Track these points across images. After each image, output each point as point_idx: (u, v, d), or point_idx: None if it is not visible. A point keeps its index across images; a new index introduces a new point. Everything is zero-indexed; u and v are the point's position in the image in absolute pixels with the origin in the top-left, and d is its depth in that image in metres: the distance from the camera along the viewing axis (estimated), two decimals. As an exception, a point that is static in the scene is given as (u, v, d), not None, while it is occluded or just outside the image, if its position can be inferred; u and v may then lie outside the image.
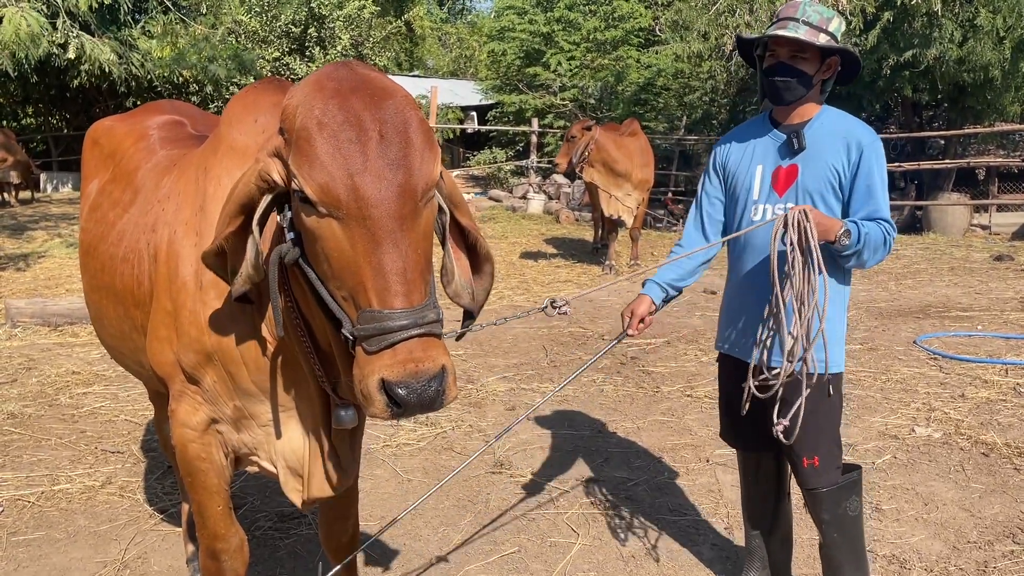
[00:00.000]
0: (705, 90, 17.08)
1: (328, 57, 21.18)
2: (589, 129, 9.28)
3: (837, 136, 2.44)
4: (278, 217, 1.65)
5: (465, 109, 23.68)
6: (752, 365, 2.43)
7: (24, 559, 3.15)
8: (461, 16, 40.65)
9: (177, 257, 1.99)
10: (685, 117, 15.76)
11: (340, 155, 1.43)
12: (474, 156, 22.39)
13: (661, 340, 6.12)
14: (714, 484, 3.77)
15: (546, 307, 2.57)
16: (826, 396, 2.43)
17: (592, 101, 19.99)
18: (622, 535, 3.32)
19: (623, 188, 9.43)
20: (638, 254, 9.93)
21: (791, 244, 2.25)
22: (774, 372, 2.37)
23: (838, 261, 2.39)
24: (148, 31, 20.17)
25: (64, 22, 10.66)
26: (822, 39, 2.37)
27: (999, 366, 5.27)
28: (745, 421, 2.58)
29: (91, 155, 2.73)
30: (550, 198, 16.58)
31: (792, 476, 2.65)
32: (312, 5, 21.11)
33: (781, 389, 2.35)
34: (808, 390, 2.32)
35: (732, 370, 2.66)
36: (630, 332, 2.67)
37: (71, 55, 11.32)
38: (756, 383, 2.41)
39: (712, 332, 6.30)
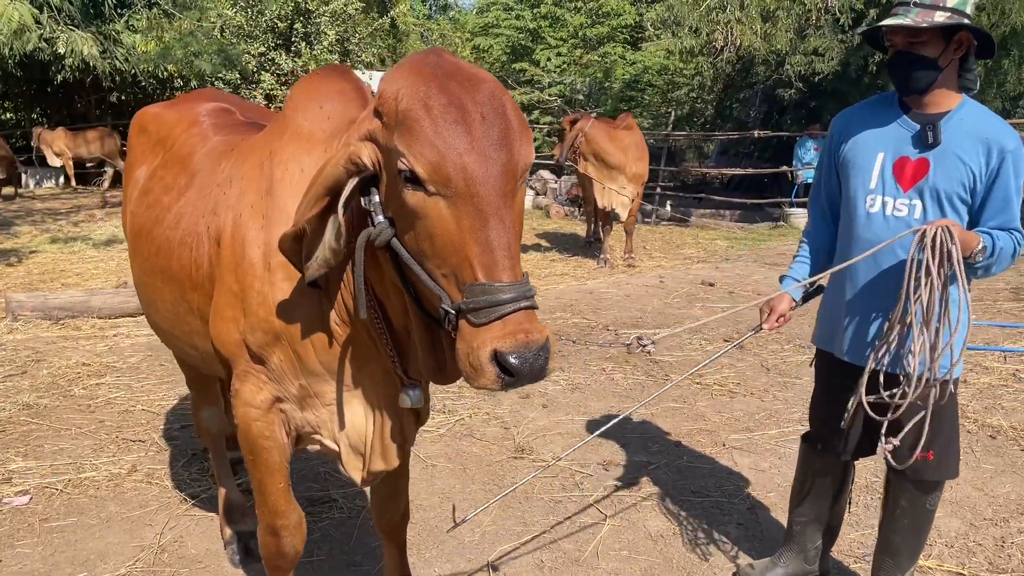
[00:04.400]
0: (692, 87, 17.21)
1: (314, 53, 21.11)
2: (575, 122, 9.35)
3: (978, 136, 2.29)
4: (362, 201, 1.69)
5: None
6: (867, 372, 2.37)
7: (60, 544, 3.18)
8: (444, 12, 40.59)
9: (243, 240, 2.03)
10: (673, 113, 15.86)
11: (449, 135, 1.49)
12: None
13: (665, 331, 6.21)
14: (733, 467, 3.86)
15: (631, 343, 2.51)
16: (946, 396, 2.37)
17: (580, 97, 20.07)
18: (649, 516, 3.40)
19: (617, 181, 9.50)
20: (632, 248, 10.02)
21: (928, 265, 2.18)
22: (895, 393, 2.31)
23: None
24: (132, 25, 19.99)
25: (52, 15, 10.60)
26: (938, 17, 2.19)
27: (997, 353, 5.40)
28: (835, 425, 2.58)
29: (138, 141, 2.76)
30: (537, 193, 16.65)
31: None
32: (298, 0, 21.02)
33: (900, 410, 2.30)
34: (924, 412, 2.30)
35: (830, 369, 2.63)
36: (765, 327, 2.63)
37: (60, 49, 11.25)
38: (872, 399, 2.35)
39: (713, 324, 6.40)
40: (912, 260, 2.22)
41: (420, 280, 1.60)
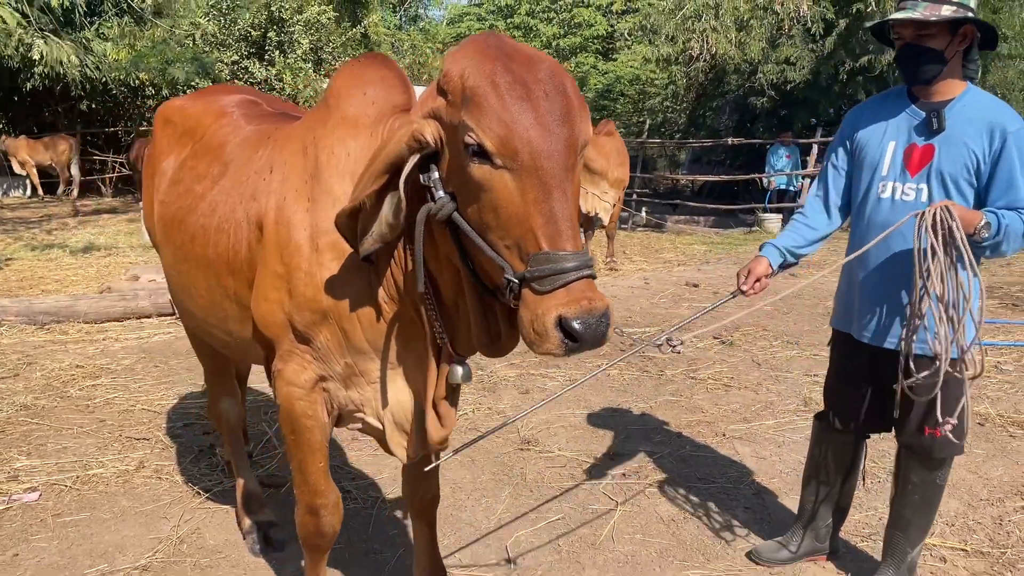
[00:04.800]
0: (665, 96, 17.46)
1: (288, 61, 21.06)
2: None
3: (981, 120, 2.40)
4: (421, 178, 1.75)
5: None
6: (901, 355, 2.47)
7: (76, 538, 3.18)
8: (414, 23, 40.68)
9: (289, 223, 2.08)
10: (648, 121, 16.09)
11: (516, 111, 1.56)
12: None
13: (655, 329, 6.32)
14: (735, 455, 3.96)
15: (661, 343, 2.52)
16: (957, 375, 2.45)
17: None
18: (658, 502, 3.48)
19: (600, 186, 9.63)
20: (614, 251, 10.15)
21: (932, 245, 2.28)
22: (927, 373, 2.39)
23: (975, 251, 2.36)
24: (103, 33, 19.83)
25: (31, 21, 10.50)
26: (945, 11, 2.31)
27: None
28: (856, 407, 2.70)
29: (163, 133, 2.79)
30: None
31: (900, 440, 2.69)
32: (272, 9, 20.97)
33: (938, 391, 2.38)
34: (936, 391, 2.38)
35: (847, 349, 2.72)
36: (744, 289, 2.67)
37: (35, 55, 11.14)
38: (909, 382, 2.44)
39: (700, 322, 6.52)
40: (918, 242, 2.32)
41: (482, 252, 1.66)
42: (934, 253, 2.31)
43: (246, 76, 21.05)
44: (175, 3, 19.43)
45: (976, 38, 2.43)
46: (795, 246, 2.72)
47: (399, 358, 2.08)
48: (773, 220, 13.23)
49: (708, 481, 3.68)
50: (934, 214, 2.31)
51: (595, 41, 21.53)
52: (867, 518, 3.30)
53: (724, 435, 4.21)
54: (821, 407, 4.38)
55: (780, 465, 3.84)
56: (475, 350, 1.96)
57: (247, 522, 3.15)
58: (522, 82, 1.59)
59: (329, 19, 23.12)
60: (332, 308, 2.02)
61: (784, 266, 2.74)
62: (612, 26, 20.44)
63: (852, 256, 2.57)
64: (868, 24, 2.62)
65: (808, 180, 14.02)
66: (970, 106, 2.45)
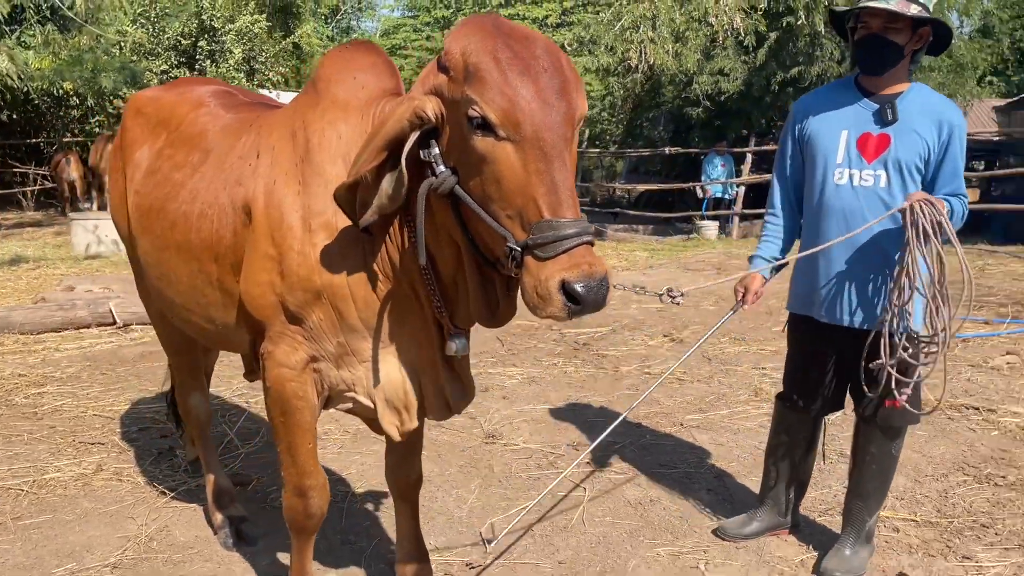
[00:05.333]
0: (602, 106, 17.78)
1: (220, 71, 20.75)
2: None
3: (930, 113, 2.57)
4: (421, 153, 1.81)
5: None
6: (875, 331, 2.59)
7: (40, 539, 3.11)
8: (347, 35, 40.48)
9: (280, 205, 2.10)
10: (585, 131, 16.36)
11: (518, 85, 1.63)
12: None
13: (607, 328, 6.45)
14: (694, 443, 4.08)
15: (663, 294, 2.63)
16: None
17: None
18: (625, 487, 3.57)
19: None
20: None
21: (923, 234, 2.42)
22: (921, 348, 2.56)
23: None
24: (24, 42, 19.24)
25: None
26: (913, 9, 2.46)
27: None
28: (817, 386, 2.84)
29: (135, 124, 2.77)
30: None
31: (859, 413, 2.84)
32: (203, 18, 20.64)
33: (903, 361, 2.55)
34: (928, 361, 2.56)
35: (807, 331, 2.84)
36: (745, 306, 2.82)
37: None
38: (890, 360, 2.55)
39: (650, 321, 6.69)
40: (913, 243, 2.45)
41: (483, 223, 1.72)
42: (928, 242, 2.44)
43: (177, 86, 20.64)
44: (99, 11, 18.98)
45: (928, 41, 2.60)
46: (777, 251, 2.88)
47: (392, 336, 2.12)
48: (711, 227, 13.58)
49: (670, 467, 3.79)
50: (921, 206, 2.45)
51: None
52: (823, 495, 3.45)
53: (682, 425, 4.33)
54: (771, 397, 4.56)
55: (737, 450, 3.98)
56: (473, 323, 2.02)
57: (219, 517, 3.13)
58: (522, 58, 1.66)
59: (262, 29, 22.87)
60: (326, 287, 2.06)
61: (775, 270, 2.88)
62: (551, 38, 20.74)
63: (835, 241, 2.65)
64: (837, 8, 2.75)
65: (742, 188, 14.46)
66: (918, 100, 2.62)
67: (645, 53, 11.58)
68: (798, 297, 2.89)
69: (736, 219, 14.26)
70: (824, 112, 2.75)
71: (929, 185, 2.64)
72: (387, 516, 3.31)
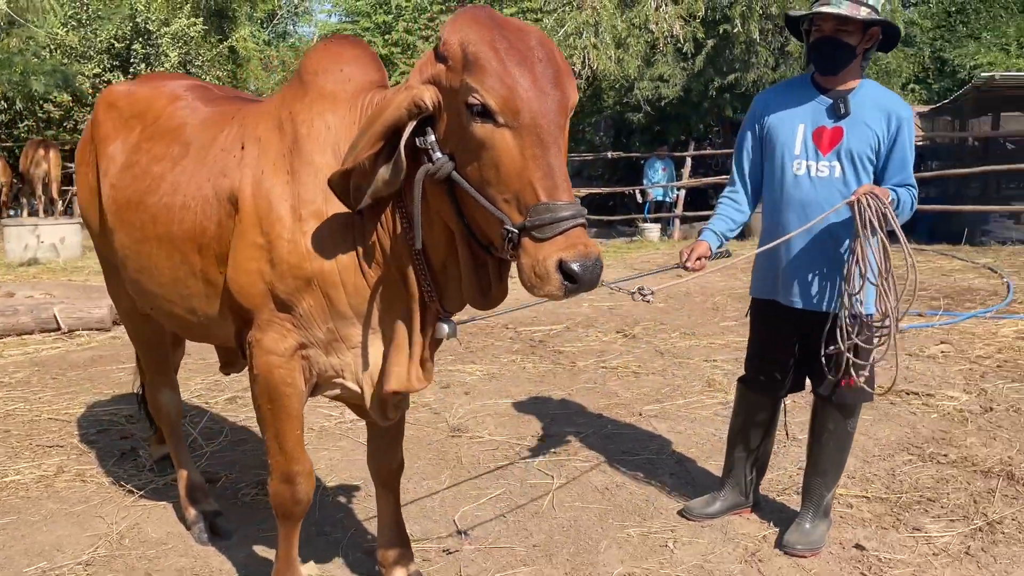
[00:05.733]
0: (545, 111, 17.93)
1: (156, 74, 20.33)
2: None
3: (879, 107, 2.74)
4: (417, 141, 1.88)
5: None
6: (834, 315, 2.74)
7: (6, 540, 3.07)
8: (283, 39, 40.01)
9: (268, 195, 2.15)
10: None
11: (517, 73, 1.72)
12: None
13: (561, 326, 6.57)
14: (654, 431, 4.21)
15: (635, 293, 2.72)
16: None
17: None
18: (591, 474, 3.67)
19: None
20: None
21: (871, 225, 2.58)
22: (867, 331, 2.72)
23: None
24: (-54, 44, 18.56)
25: None
26: (863, 12, 2.63)
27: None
28: (778, 367, 2.99)
29: (107, 117, 2.77)
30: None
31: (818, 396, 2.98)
32: (137, 20, 20.21)
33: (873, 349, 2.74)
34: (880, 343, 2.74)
35: (770, 315, 2.97)
36: (688, 266, 2.87)
37: None
38: (847, 343, 2.70)
39: (602, 319, 6.83)
40: (859, 221, 2.61)
41: (480, 207, 1.80)
42: (874, 233, 2.60)
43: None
44: (26, 12, 18.43)
45: (878, 40, 2.78)
46: (728, 229, 3.00)
47: (381, 321, 2.18)
48: (653, 230, 13.88)
49: (633, 454, 3.91)
50: (867, 199, 2.61)
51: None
52: (779, 476, 3.61)
53: (640, 415, 4.46)
54: (723, 388, 4.74)
55: (695, 437, 4.12)
56: (462, 307, 2.10)
57: (192, 512, 3.13)
58: (518, 48, 1.75)
59: (198, 32, 22.48)
60: (317, 274, 2.11)
61: (719, 247, 2.99)
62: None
63: (792, 234, 2.79)
64: (791, 13, 2.90)
65: (683, 191, 14.80)
66: (869, 94, 2.80)
67: (588, 59, 11.79)
68: (760, 282, 3.03)
69: (677, 221, 14.59)
70: (782, 107, 2.90)
71: (880, 174, 2.80)
72: (359, 507, 3.36)
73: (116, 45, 20.39)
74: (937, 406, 4.47)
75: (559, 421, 4.36)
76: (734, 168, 3.08)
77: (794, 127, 2.86)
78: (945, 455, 3.81)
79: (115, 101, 2.79)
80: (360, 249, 2.10)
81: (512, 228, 1.75)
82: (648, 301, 2.67)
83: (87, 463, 3.84)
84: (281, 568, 2.49)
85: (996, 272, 8.88)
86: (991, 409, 4.39)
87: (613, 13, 12.19)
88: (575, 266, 1.70)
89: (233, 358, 2.79)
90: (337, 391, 2.32)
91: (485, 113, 1.73)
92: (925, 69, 26.07)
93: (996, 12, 24.43)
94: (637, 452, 3.94)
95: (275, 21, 38.25)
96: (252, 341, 2.24)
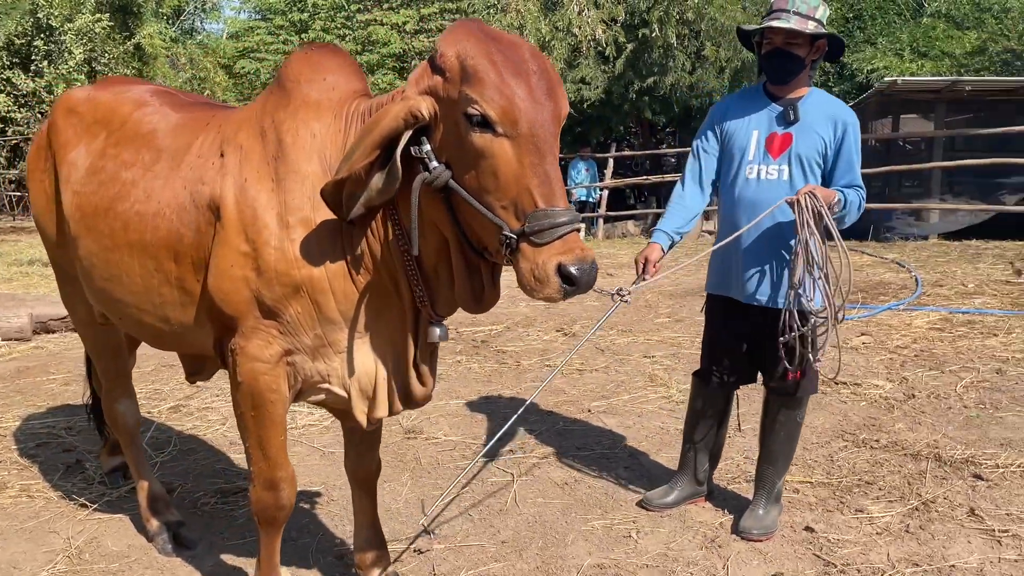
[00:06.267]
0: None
1: (60, 72, 19.54)
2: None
3: (826, 114, 2.91)
4: (412, 150, 1.92)
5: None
6: (785, 309, 2.87)
7: (-43, 560, 2.96)
8: (190, 36, 38.86)
9: (253, 203, 2.15)
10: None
11: (514, 85, 1.78)
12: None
13: (501, 326, 6.65)
14: (603, 426, 4.34)
15: (613, 295, 2.74)
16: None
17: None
18: (549, 470, 3.77)
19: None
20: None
21: (807, 224, 2.74)
22: (807, 325, 2.86)
23: None
24: None
25: None
26: (810, 26, 2.80)
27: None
28: (732, 360, 3.13)
29: (67, 123, 2.70)
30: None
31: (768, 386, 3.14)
32: (39, 16, 19.35)
33: (811, 337, 2.88)
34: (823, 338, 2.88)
35: (724, 310, 3.12)
36: (648, 277, 2.99)
37: None
38: (793, 335, 2.85)
39: (541, 318, 6.95)
40: (799, 219, 2.78)
41: (477, 214, 1.86)
42: (810, 231, 2.77)
43: (8, 88, 19.27)
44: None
45: (823, 52, 2.97)
46: (679, 227, 3.11)
47: (368, 327, 2.21)
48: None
49: (587, 449, 4.02)
50: (806, 199, 2.77)
51: (391, 59, 21.74)
52: (728, 465, 3.77)
53: (589, 411, 4.58)
54: (664, 383, 4.91)
55: (644, 431, 4.26)
56: (453, 311, 2.15)
57: (154, 523, 3.08)
58: (514, 60, 1.82)
59: (104, 28, 21.69)
60: (305, 281, 2.13)
61: (672, 245, 3.09)
62: (408, 45, 20.76)
63: (744, 230, 2.94)
64: (743, 27, 3.07)
65: (606, 192, 15.10)
66: (817, 102, 2.98)
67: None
68: (715, 279, 3.17)
69: (601, 221, 14.87)
70: (739, 115, 3.07)
71: (828, 177, 2.98)
72: (324, 512, 3.37)
73: (16, 42, 19.50)
74: (864, 395, 4.74)
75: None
76: (687, 170, 3.21)
77: (749, 134, 3.02)
78: (877, 440, 4.05)
79: (75, 106, 2.73)
80: (349, 256, 2.13)
81: (510, 234, 1.82)
82: (627, 303, 2.77)
83: (30, 478, 3.72)
84: (264, 575, 2.49)
85: (903, 267, 9.39)
86: (913, 396, 4.68)
87: (537, 17, 12.36)
88: (573, 269, 1.78)
89: (200, 366, 2.76)
90: (321, 396, 2.34)
91: (484, 123, 1.79)
92: (826, 73, 27.21)
93: (891, 19, 25.68)
94: (591, 447, 4.05)
95: (182, 18, 37.08)
96: (236, 348, 2.24)
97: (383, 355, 2.25)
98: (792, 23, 2.82)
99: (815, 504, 3.38)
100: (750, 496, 3.42)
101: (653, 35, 13.01)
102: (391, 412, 2.32)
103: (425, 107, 1.88)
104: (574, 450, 4.02)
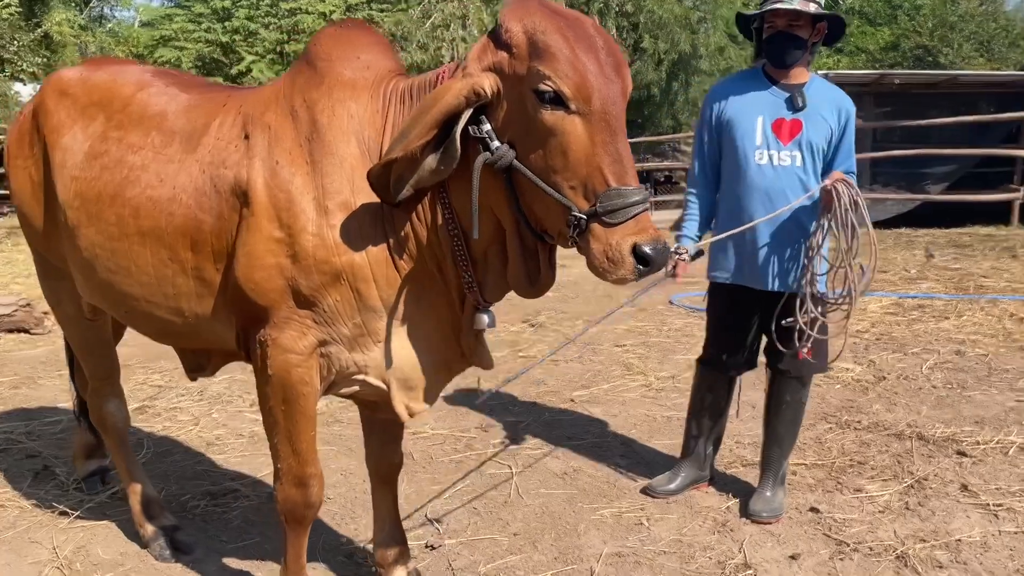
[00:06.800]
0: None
1: (-37, 61, 18.49)
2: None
3: (830, 101, 2.97)
4: (471, 130, 1.85)
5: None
6: (798, 296, 2.91)
7: (-67, 577, 2.75)
8: (100, 24, 37.31)
9: (287, 187, 2.04)
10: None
11: (587, 61, 1.73)
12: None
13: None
14: (590, 415, 4.32)
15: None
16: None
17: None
18: (546, 460, 3.73)
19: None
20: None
21: (844, 211, 2.79)
22: (829, 307, 2.95)
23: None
24: None
25: None
26: (812, 7, 2.83)
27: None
28: (737, 346, 3.15)
29: (59, 106, 2.51)
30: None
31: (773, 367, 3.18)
32: (-63, 3, 18.27)
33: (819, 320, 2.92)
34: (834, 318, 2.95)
35: (732, 297, 3.13)
36: (677, 279, 3.00)
37: None
38: (811, 316, 2.89)
39: (502, 308, 6.87)
40: (836, 207, 2.81)
41: (542, 194, 1.80)
42: (846, 218, 2.80)
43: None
44: None
45: (823, 34, 2.99)
46: (698, 230, 3.14)
47: (410, 315, 2.12)
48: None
49: (578, 439, 4.00)
50: (843, 187, 2.81)
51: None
52: (722, 451, 3.80)
53: (572, 400, 4.57)
54: (641, 371, 4.93)
55: (631, 419, 4.26)
56: (501, 297, 2.08)
57: (149, 528, 2.92)
58: (583, 36, 1.77)
59: (11, 15, 20.67)
60: (346, 268, 2.03)
61: (695, 256, 3.06)
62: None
63: (766, 218, 2.95)
64: (746, 12, 3.08)
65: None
66: (820, 89, 3.02)
67: (457, 51, 11.80)
68: (724, 267, 3.17)
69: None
70: (738, 99, 3.06)
71: (829, 162, 3.02)
72: (325, 511, 3.25)
73: (-86, 28, 18.36)
74: (837, 378, 4.85)
75: (497, 411, 4.38)
76: (696, 166, 3.21)
77: (753, 119, 3.02)
78: (859, 421, 4.14)
79: (66, 88, 2.54)
80: (391, 241, 2.05)
81: (580, 215, 1.76)
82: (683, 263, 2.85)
83: (-2, 486, 3.49)
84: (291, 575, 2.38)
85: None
86: (884, 378, 4.81)
87: (480, 6, 12.26)
88: (648, 249, 1.74)
89: (204, 362, 2.62)
90: (355, 388, 2.25)
91: (557, 100, 1.73)
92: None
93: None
94: (582, 437, 4.03)
95: (91, 5, 35.55)
96: (266, 340, 2.12)
97: (425, 344, 2.17)
98: (795, 3, 2.84)
99: (814, 485, 3.43)
100: (748, 480, 3.47)
101: (591, 26, 13.05)
102: (431, 403, 2.24)
103: (488, 84, 1.81)
104: (565, 440, 3.98)
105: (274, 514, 3.15)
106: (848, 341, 3.32)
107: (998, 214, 12.06)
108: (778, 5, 2.87)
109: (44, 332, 6.23)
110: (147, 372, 5.14)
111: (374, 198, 2.01)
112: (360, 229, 2.03)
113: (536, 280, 2.00)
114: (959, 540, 2.93)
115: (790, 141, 2.98)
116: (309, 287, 2.05)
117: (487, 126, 1.84)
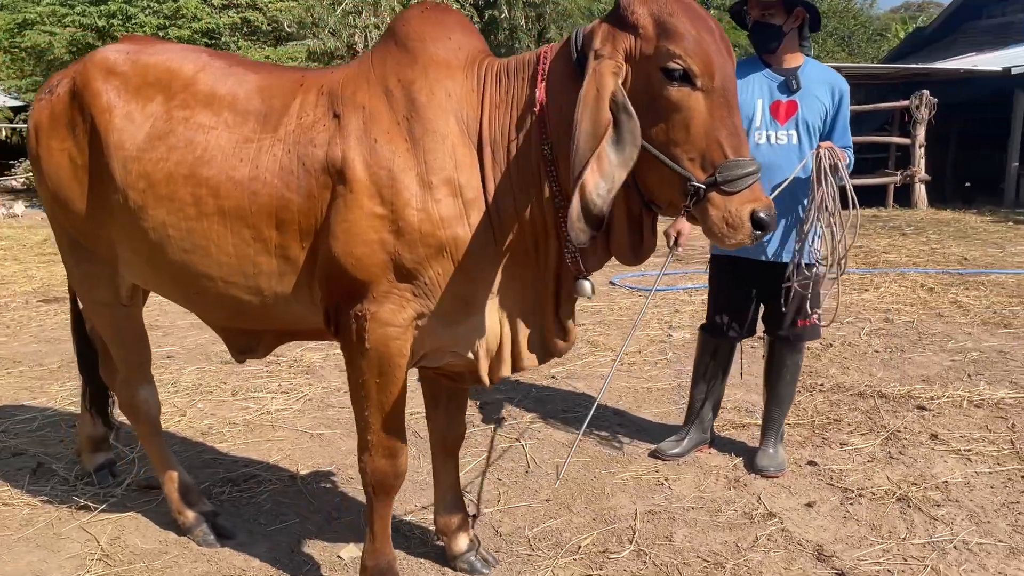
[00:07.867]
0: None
1: None
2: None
3: (824, 82, 3.21)
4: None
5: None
6: (792, 263, 3.17)
7: (-33, 578, 2.64)
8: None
9: (388, 164, 2.10)
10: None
11: (710, 41, 1.87)
12: (19, 164, 19.74)
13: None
14: (575, 389, 4.50)
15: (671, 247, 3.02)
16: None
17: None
18: (550, 431, 3.88)
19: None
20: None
21: (824, 173, 3.03)
22: (811, 270, 3.17)
23: None
24: None
25: None
26: None
27: (684, 291, 6.85)
28: (740, 315, 3.37)
29: (108, 86, 2.43)
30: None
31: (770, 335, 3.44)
32: None
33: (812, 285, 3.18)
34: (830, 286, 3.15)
35: (734, 269, 3.33)
36: (679, 250, 3.16)
37: None
38: (805, 281, 3.15)
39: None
40: (822, 180, 3.06)
41: (660, 166, 1.93)
42: (826, 178, 3.06)
43: None
44: None
45: (806, 20, 3.23)
46: None
47: (503, 287, 2.22)
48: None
49: (572, 411, 4.16)
50: (825, 152, 3.07)
51: (200, 36, 20.48)
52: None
53: (553, 377, 4.73)
54: (608, 346, 5.14)
55: (617, 391, 4.46)
56: (600, 266, 2.21)
57: (190, 515, 2.89)
58: (701, 17, 1.92)
59: None
60: (450, 242, 2.11)
61: None
62: (217, 21, 19.61)
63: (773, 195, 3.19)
64: (730, 7, 3.32)
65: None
66: (814, 71, 3.28)
67: (369, 38, 11.68)
68: None
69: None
70: (740, 84, 3.28)
71: (825, 139, 3.27)
72: (351, 489, 3.28)
73: None
74: (790, 347, 5.21)
75: (483, 390, 4.49)
76: None
77: (753, 101, 3.26)
78: (822, 385, 4.49)
79: (115, 67, 2.47)
80: (493, 215, 2.13)
81: (699, 184, 1.91)
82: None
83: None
84: (379, 546, 2.44)
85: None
86: (831, 345, 5.21)
87: (390, -7, 12.19)
88: (763, 215, 1.91)
89: (256, 343, 2.62)
90: (446, 359, 2.33)
91: (685, 77, 1.88)
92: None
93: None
94: (574, 410, 4.20)
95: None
96: (364, 314, 2.17)
97: (511, 313, 2.27)
98: None
99: (803, 442, 3.73)
100: (743, 440, 3.73)
101: (501, 16, 13.24)
102: (515, 369, 2.34)
103: (621, 64, 1.93)
104: (560, 413, 4.15)
105: (303, 497, 3.21)
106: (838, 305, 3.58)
107: (877, 197, 13.06)
108: None
109: (-28, 330, 5.87)
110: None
111: (476, 173, 2.11)
112: (464, 204, 2.12)
113: (639, 248, 2.13)
114: (946, 482, 3.28)
115: (787, 121, 3.24)
116: (413, 260, 2.12)
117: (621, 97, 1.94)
